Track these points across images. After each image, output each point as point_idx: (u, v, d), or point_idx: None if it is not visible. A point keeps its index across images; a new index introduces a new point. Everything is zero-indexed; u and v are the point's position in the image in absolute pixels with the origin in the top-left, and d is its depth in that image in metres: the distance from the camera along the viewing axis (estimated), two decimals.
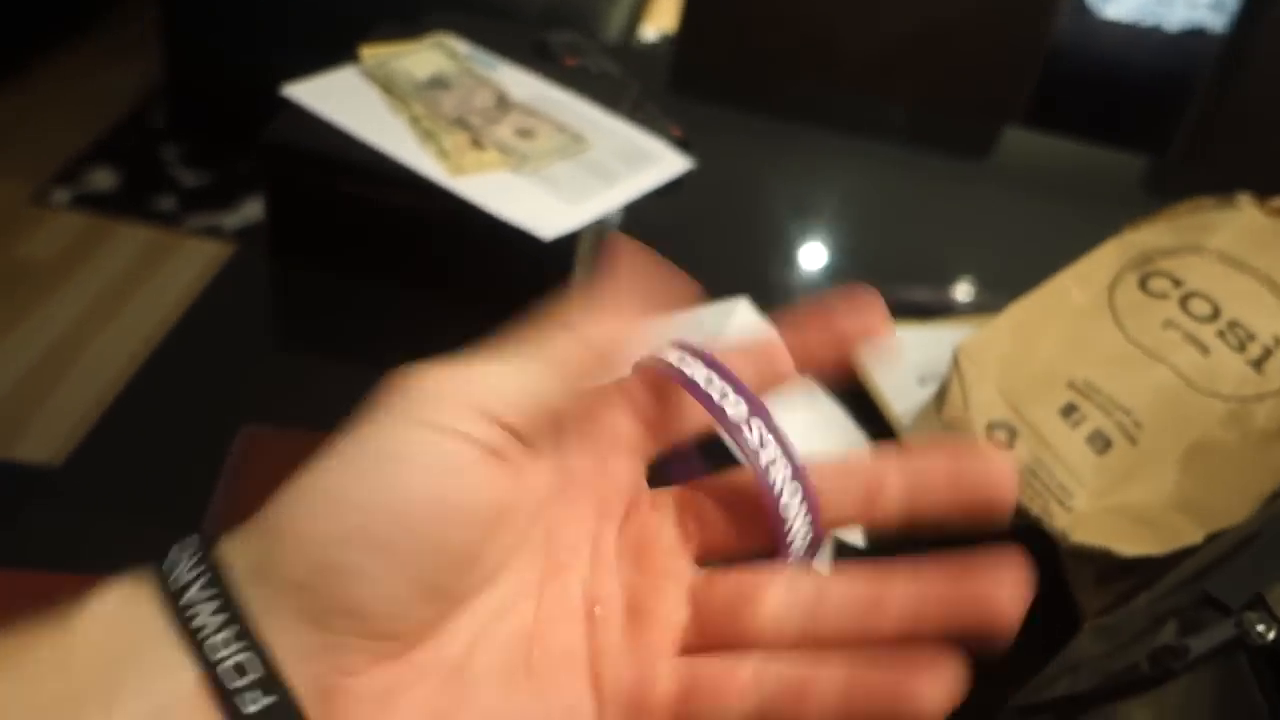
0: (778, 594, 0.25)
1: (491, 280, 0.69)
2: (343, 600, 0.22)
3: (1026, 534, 0.52)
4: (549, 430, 0.25)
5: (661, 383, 0.27)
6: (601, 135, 0.72)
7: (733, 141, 0.94)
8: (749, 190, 0.88)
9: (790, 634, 0.25)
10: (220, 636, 0.22)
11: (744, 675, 0.24)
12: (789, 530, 0.25)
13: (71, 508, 0.54)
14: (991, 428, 0.52)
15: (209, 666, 0.21)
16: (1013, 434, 0.52)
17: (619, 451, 0.27)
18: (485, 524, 0.23)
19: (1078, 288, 0.57)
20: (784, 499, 0.25)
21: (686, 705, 0.24)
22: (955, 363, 0.54)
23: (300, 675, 0.22)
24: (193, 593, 0.22)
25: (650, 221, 0.81)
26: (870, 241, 0.86)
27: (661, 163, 0.72)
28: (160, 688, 0.22)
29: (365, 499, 0.22)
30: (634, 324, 0.26)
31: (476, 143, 0.68)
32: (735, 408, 0.25)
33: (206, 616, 0.22)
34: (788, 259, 0.81)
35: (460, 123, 0.69)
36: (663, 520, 0.27)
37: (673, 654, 0.25)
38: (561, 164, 0.68)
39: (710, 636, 0.25)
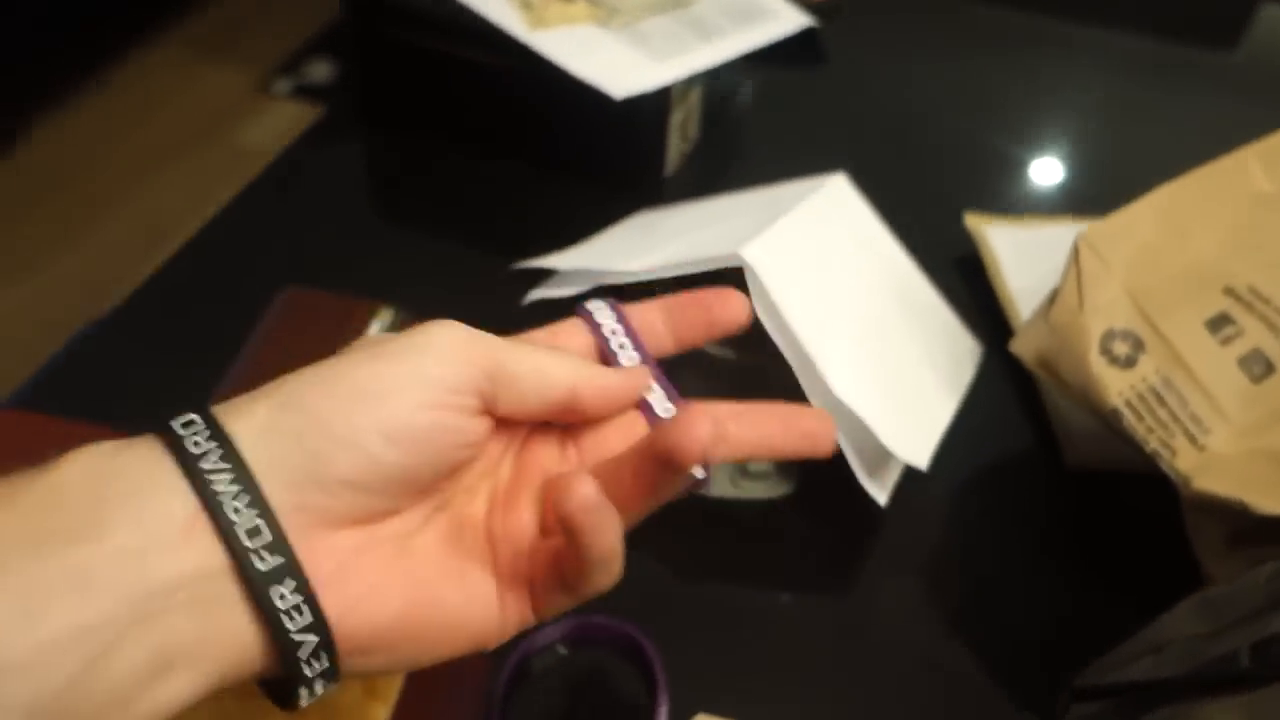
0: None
1: (569, 146, 0.63)
2: (344, 471, 0.25)
3: (1143, 475, 0.41)
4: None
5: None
6: None
7: (898, 19, 0.82)
8: (906, 77, 0.77)
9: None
10: (220, 475, 0.24)
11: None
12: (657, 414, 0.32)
13: (121, 359, 0.53)
14: (1110, 337, 0.41)
15: (207, 497, 0.24)
16: (1137, 346, 0.41)
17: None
18: (464, 452, 0.28)
19: (1264, 169, 0.44)
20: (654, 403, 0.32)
21: (534, 591, 0.29)
22: (1074, 254, 0.43)
23: (290, 520, 0.25)
24: (196, 438, 0.25)
25: (780, 97, 0.72)
26: (1070, 152, 0.73)
27: (775, 20, 0.62)
28: (153, 518, 0.24)
29: (382, 397, 0.26)
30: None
31: None
32: (629, 359, 0.32)
33: (210, 459, 0.24)
34: (945, 161, 0.69)
35: None
36: (548, 440, 0.32)
37: (533, 541, 0.30)
38: (656, 19, 0.61)
39: (552, 524, 0.30)
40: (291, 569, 0.25)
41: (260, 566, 0.24)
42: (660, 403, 0.32)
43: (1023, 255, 0.58)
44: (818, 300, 0.44)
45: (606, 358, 0.32)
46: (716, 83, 0.65)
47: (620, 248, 0.49)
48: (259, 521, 0.24)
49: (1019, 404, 0.52)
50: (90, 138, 1.69)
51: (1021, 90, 0.75)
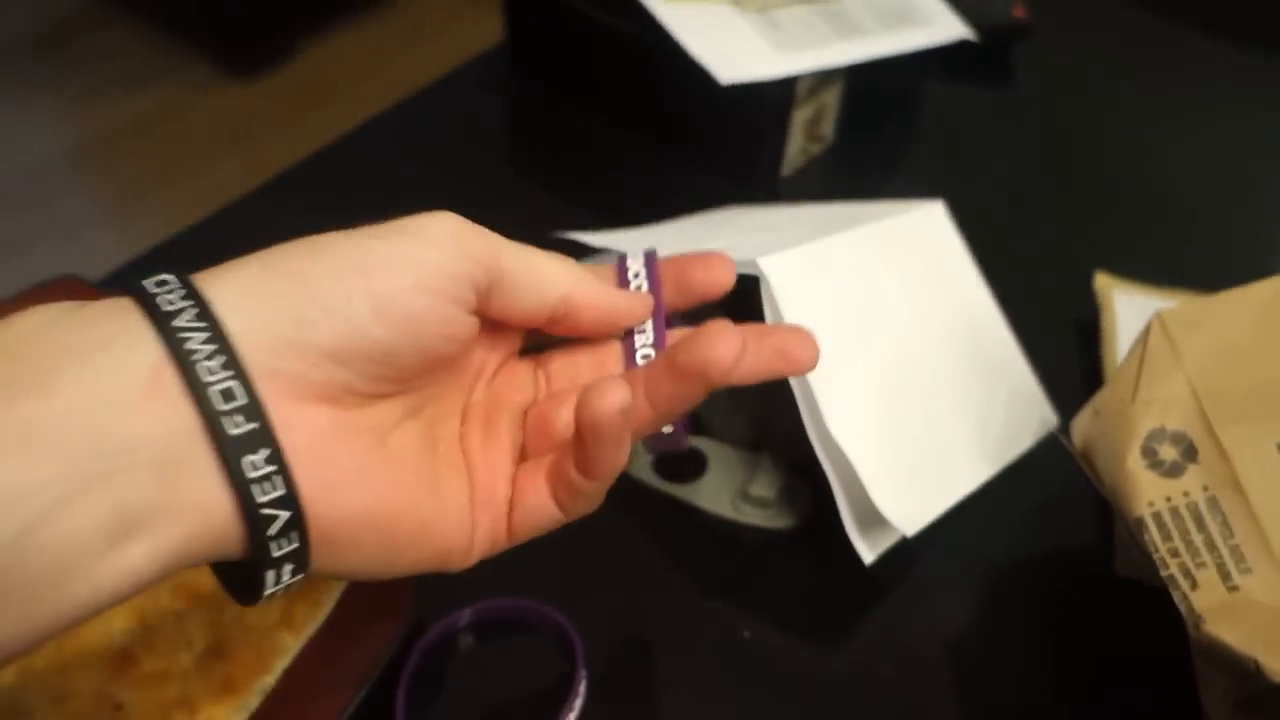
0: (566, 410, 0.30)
1: (687, 126, 0.61)
2: (327, 340, 0.24)
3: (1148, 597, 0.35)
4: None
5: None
6: None
7: (1101, 43, 0.74)
8: (1092, 111, 0.69)
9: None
10: (194, 334, 0.23)
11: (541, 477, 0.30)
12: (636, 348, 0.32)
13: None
14: (1158, 437, 0.35)
15: (179, 354, 0.22)
16: (1189, 454, 0.35)
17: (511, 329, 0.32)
18: (450, 346, 0.27)
19: None
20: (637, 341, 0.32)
21: (514, 510, 0.30)
22: (1144, 333, 0.37)
23: (265, 385, 0.23)
24: (169, 295, 0.23)
25: (947, 113, 0.67)
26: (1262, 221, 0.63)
27: (928, 26, 0.57)
28: (114, 372, 0.22)
29: (372, 269, 0.25)
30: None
31: None
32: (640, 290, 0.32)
33: (184, 318, 0.23)
34: (1105, 209, 0.62)
35: None
36: (524, 368, 0.32)
37: (510, 465, 0.30)
38: (796, 8, 0.57)
39: (534, 447, 0.30)
40: (265, 436, 0.23)
41: (232, 430, 0.22)
42: (644, 344, 0.32)
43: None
44: (841, 328, 0.40)
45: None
46: (860, 84, 0.61)
47: (667, 237, 0.46)
48: (233, 384, 0.23)
49: (1086, 490, 0.46)
50: (356, 62, 1.81)
51: (1224, 141, 0.66)
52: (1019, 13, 0.70)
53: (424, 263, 0.26)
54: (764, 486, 0.44)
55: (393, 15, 1.90)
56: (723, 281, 0.33)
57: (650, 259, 0.33)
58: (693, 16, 0.56)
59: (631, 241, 0.45)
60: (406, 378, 0.27)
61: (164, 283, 0.24)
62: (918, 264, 0.45)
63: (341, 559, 0.26)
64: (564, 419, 0.30)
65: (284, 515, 0.23)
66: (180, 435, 0.22)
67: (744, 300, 0.42)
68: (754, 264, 0.39)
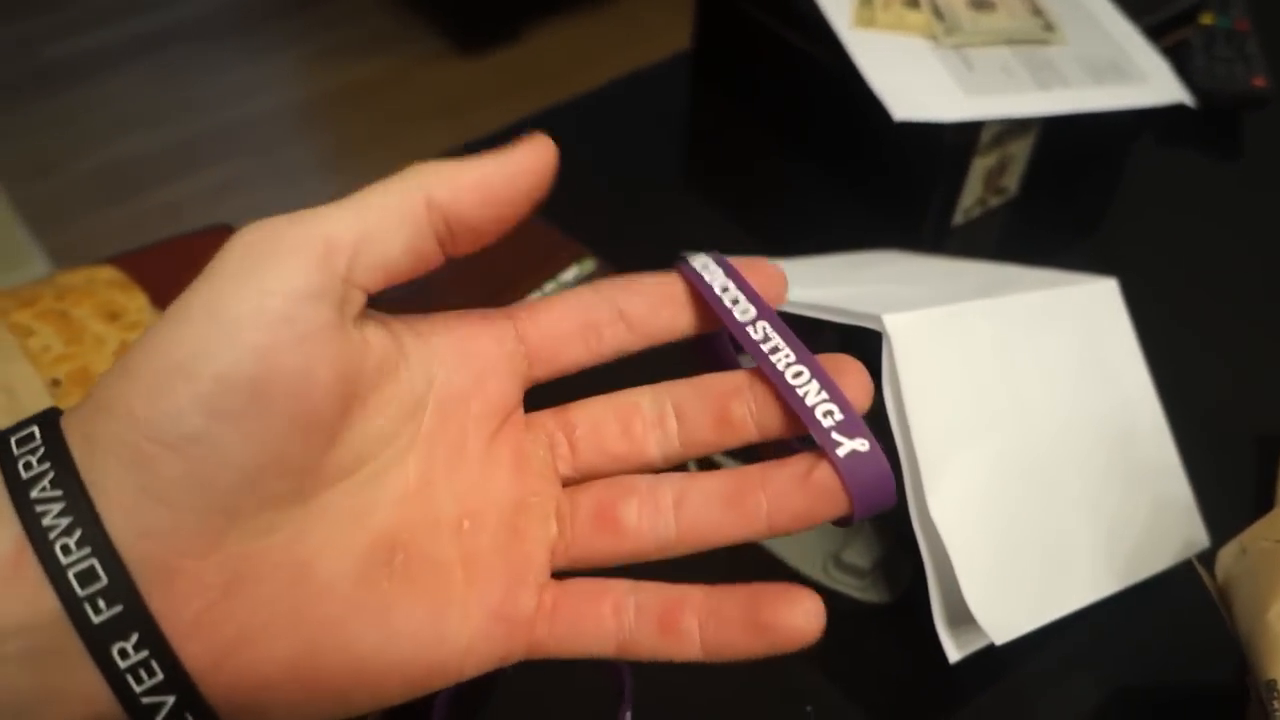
0: (634, 505, 0.25)
1: (858, 160, 0.58)
2: (172, 469, 0.20)
3: None
4: (413, 334, 0.25)
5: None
6: (1083, 32, 0.55)
7: None
8: None
9: (655, 541, 0.25)
10: (51, 505, 0.20)
11: (606, 604, 0.25)
12: (810, 406, 0.24)
13: None
14: None
15: (34, 533, 0.20)
16: None
17: (497, 372, 0.26)
18: (328, 399, 0.21)
19: None
20: (792, 380, 0.25)
21: (551, 628, 0.25)
22: None
23: (136, 552, 0.20)
24: (29, 457, 0.21)
25: (1161, 182, 0.61)
26: None
27: (1140, 85, 0.52)
28: None
29: (192, 365, 0.20)
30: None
31: (914, 0, 0.55)
32: (744, 313, 0.26)
33: (41, 484, 0.20)
34: None
35: None
36: (535, 440, 0.27)
37: (543, 571, 0.25)
38: (997, 49, 0.53)
39: (578, 552, 0.26)
40: (134, 618, 0.20)
41: (95, 618, 0.20)
42: (748, 318, 0.26)
43: None
44: (965, 402, 0.36)
45: (718, 317, 0.26)
46: (1056, 138, 0.56)
47: (801, 274, 0.44)
48: (93, 562, 0.20)
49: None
50: (572, 52, 1.85)
51: None
52: (1260, 82, 0.63)
53: (237, 320, 0.20)
54: (859, 555, 0.41)
55: (615, 12, 1.93)
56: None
57: (724, 262, 0.27)
58: (882, 46, 0.53)
59: None
60: (312, 469, 0.22)
61: (28, 438, 0.21)
62: (1073, 344, 0.41)
63: (263, 718, 0.22)
64: (631, 520, 0.25)
65: (169, 700, 0.21)
66: (49, 622, 0.20)
67: (865, 355, 0.39)
68: (878, 319, 0.36)
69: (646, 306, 0.27)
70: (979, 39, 0.54)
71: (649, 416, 0.26)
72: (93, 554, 0.20)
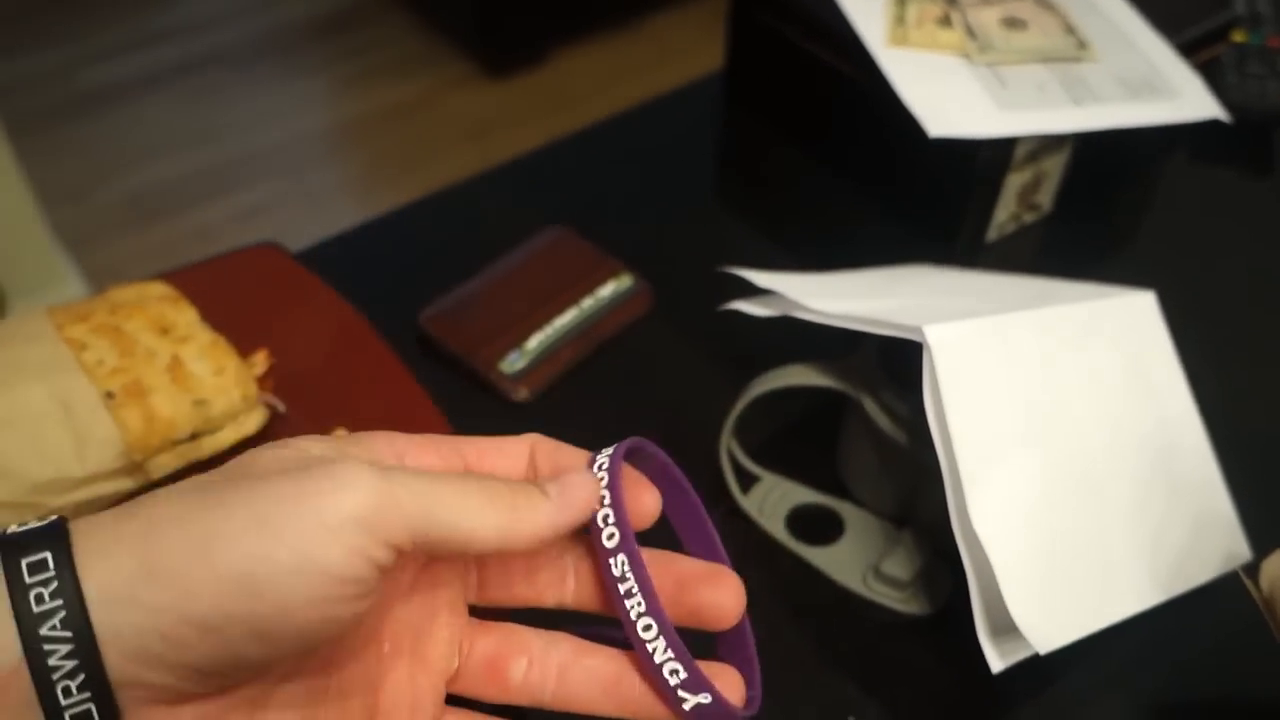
0: (523, 664, 0.29)
1: (891, 176, 0.58)
2: (201, 661, 0.22)
3: None
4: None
5: None
6: (1116, 50, 0.55)
7: None
8: None
9: (530, 699, 0.28)
10: (57, 646, 0.21)
11: None
12: (659, 664, 0.27)
13: (400, 242, 0.59)
14: None
15: (38, 669, 0.21)
16: None
17: None
18: (342, 632, 0.24)
19: None
20: (642, 634, 0.27)
21: None
22: None
23: (125, 695, 0.22)
24: (40, 590, 0.22)
25: (1198, 199, 0.61)
26: None
27: (1175, 101, 0.52)
28: None
29: (268, 581, 0.22)
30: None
31: (945, 19, 0.56)
32: (610, 539, 0.27)
33: (50, 621, 0.21)
34: None
35: None
36: (451, 571, 0.29)
37: (440, 701, 0.28)
38: (1031, 66, 0.54)
39: (474, 688, 0.29)
40: None
41: None
42: (612, 541, 0.27)
43: None
44: (1006, 414, 0.37)
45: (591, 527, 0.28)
46: (1090, 154, 0.56)
47: (839, 288, 0.44)
48: (90, 707, 0.22)
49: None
50: (600, 74, 1.87)
51: None
52: None
53: (319, 571, 0.22)
54: (900, 566, 0.41)
55: (643, 34, 1.95)
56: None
57: (615, 458, 0.28)
58: (915, 64, 0.53)
59: (799, 286, 0.43)
60: (286, 662, 0.25)
61: (40, 565, 0.22)
62: (1112, 356, 0.41)
63: None
64: (518, 678, 0.28)
65: None
66: None
67: (906, 367, 0.39)
68: (919, 330, 0.36)
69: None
70: (1012, 57, 0.54)
71: (552, 567, 0.29)
72: (92, 699, 0.21)
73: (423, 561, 0.28)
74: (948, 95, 0.51)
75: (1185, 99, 0.53)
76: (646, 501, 0.28)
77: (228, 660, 0.23)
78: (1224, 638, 0.40)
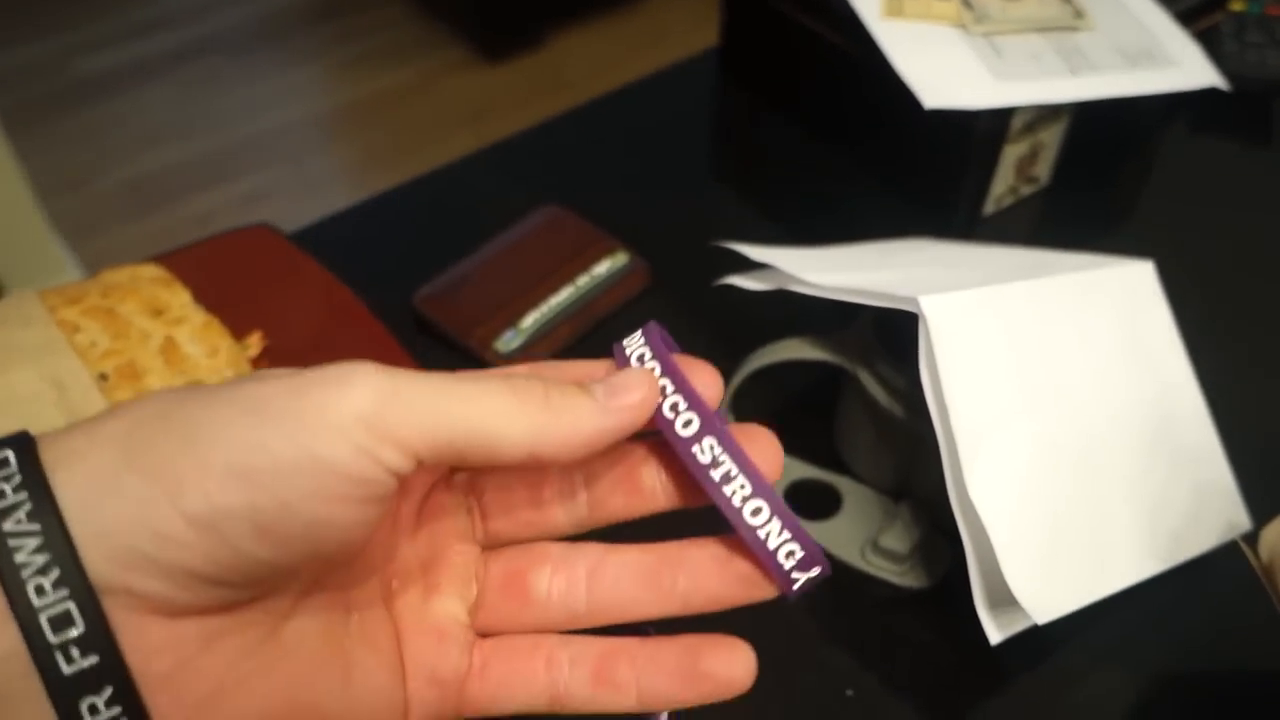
0: (545, 574, 0.26)
1: (887, 149, 0.58)
2: (195, 563, 0.20)
3: None
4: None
5: None
6: (1113, 19, 0.54)
7: None
8: None
9: (564, 612, 0.26)
10: (26, 540, 0.19)
11: (538, 659, 0.25)
12: (773, 550, 0.24)
13: (394, 223, 0.58)
14: None
15: (4, 569, 0.19)
16: None
17: None
18: (353, 544, 0.22)
19: None
20: (750, 520, 0.24)
21: (482, 685, 0.25)
22: None
23: (113, 603, 0.20)
24: (3, 485, 0.20)
25: (1197, 169, 0.61)
26: None
27: (1173, 70, 0.52)
28: None
29: (269, 471, 0.20)
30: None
31: None
32: (686, 426, 0.24)
33: (15, 516, 0.19)
34: None
35: None
36: (455, 500, 0.27)
37: (467, 631, 0.26)
38: (1028, 36, 0.53)
39: (486, 617, 0.26)
40: (110, 672, 0.19)
41: (66, 669, 0.19)
42: (683, 420, 0.24)
43: None
44: (1003, 383, 0.36)
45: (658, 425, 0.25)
46: (1088, 124, 0.56)
47: (835, 262, 0.44)
48: (69, 605, 0.19)
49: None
50: (595, 57, 1.86)
51: None
52: None
53: (325, 466, 0.20)
54: (897, 539, 0.41)
55: (638, 17, 1.94)
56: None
57: (650, 333, 0.25)
58: (910, 35, 0.53)
59: (795, 261, 0.43)
60: (302, 575, 0.23)
61: (2, 463, 0.20)
62: (1110, 326, 0.41)
63: None
64: (542, 589, 0.26)
65: None
66: (12, 662, 0.19)
67: (901, 339, 0.39)
68: (915, 301, 0.36)
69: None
70: (1008, 27, 0.54)
71: (558, 484, 0.26)
72: (70, 597, 0.19)
73: (424, 492, 0.26)
74: (943, 66, 0.51)
75: (1183, 67, 0.52)
76: (709, 381, 0.25)
77: (231, 563, 0.20)
78: (1223, 607, 0.40)
